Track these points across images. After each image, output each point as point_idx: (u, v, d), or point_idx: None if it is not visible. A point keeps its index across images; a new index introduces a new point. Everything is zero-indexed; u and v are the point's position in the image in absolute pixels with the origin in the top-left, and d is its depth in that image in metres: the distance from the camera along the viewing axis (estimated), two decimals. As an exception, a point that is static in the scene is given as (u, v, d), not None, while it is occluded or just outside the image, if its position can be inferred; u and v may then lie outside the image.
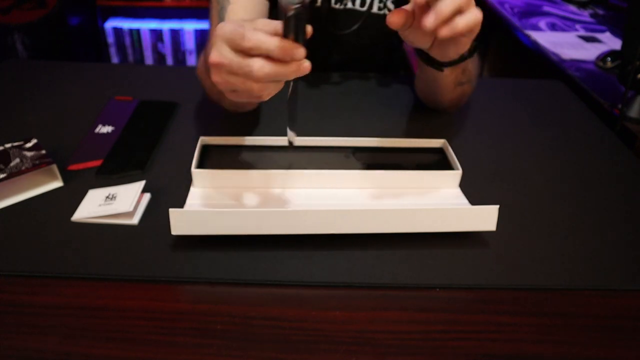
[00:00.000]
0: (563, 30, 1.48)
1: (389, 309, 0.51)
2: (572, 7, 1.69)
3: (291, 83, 0.51)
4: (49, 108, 0.84)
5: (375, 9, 0.92)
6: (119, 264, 0.54)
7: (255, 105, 0.82)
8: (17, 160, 0.63)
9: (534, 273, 0.55)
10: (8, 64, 1.01)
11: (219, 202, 0.61)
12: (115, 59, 2.49)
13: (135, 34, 2.44)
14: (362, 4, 0.91)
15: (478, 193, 0.65)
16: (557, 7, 1.69)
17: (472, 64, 0.76)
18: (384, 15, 0.93)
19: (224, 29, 0.47)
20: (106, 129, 0.78)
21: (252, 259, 0.55)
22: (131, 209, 0.58)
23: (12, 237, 0.56)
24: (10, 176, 0.60)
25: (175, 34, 2.43)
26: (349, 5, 0.91)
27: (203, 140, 0.68)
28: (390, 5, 0.93)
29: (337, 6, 0.91)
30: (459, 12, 0.51)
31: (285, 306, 0.50)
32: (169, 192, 0.65)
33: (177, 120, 0.82)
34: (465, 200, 0.64)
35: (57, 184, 0.65)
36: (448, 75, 0.73)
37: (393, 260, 0.56)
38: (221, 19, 0.80)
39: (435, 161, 0.69)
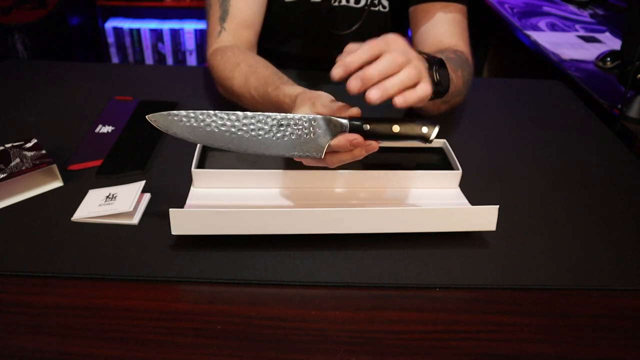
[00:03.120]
0: (563, 30, 1.48)
1: (389, 309, 0.51)
2: (572, 7, 1.69)
3: None
4: (49, 108, 0.84)
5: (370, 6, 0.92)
6: (119, 264, 0.54)
7: None
8: (17, 160, 0.63)
9: (534, 273, 0.55)
10: (8, 64, 1.01)
11: (219, 202, 0.61)
12: (115, 59, 2.49)
13: (136, 34, 2.44)
14: (357, 1, 0.92)
15: (478, 193, 0.65)
16: (557, 7, 1.69)
17: (460, 79, 0.73)
18: (379, 12, 0.94)
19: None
20: (106, 129, 0.78)
21: (252, 259, 0.55)
22: (131, 209, 0.58)
23: (12, 237, 0.56)
24: (10, 176, 0.60)
25: (175, 34, 2.43)
26: (343, 2, 0.92)
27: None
28: (384, 2, 0.93)
29: (333, 4, 0.91)
30: (390, 74, 0.51)
31: (285, 306, 0.50)
32: (169, 192, 0.65)
33: (177, 120, 0.82)
34: (465, 200, 0.64)
35: (57, 184, 0.65)
36: (429, 105, 0.71)
37: (393, 260, 0.56)
38: (224, 8, 0.83)
39: (435, 161, 0.69)
